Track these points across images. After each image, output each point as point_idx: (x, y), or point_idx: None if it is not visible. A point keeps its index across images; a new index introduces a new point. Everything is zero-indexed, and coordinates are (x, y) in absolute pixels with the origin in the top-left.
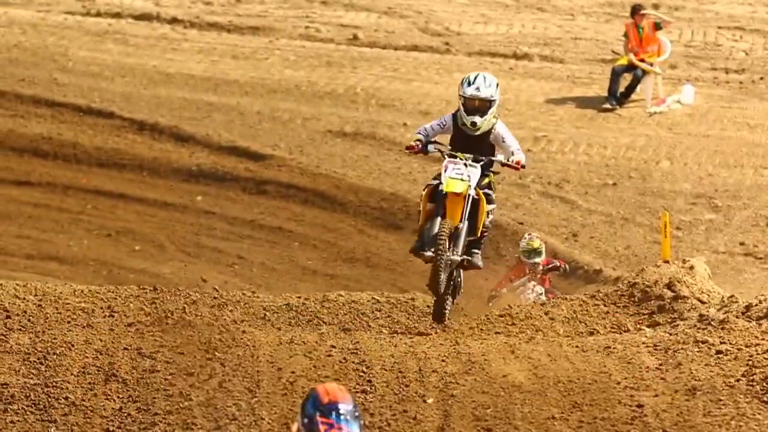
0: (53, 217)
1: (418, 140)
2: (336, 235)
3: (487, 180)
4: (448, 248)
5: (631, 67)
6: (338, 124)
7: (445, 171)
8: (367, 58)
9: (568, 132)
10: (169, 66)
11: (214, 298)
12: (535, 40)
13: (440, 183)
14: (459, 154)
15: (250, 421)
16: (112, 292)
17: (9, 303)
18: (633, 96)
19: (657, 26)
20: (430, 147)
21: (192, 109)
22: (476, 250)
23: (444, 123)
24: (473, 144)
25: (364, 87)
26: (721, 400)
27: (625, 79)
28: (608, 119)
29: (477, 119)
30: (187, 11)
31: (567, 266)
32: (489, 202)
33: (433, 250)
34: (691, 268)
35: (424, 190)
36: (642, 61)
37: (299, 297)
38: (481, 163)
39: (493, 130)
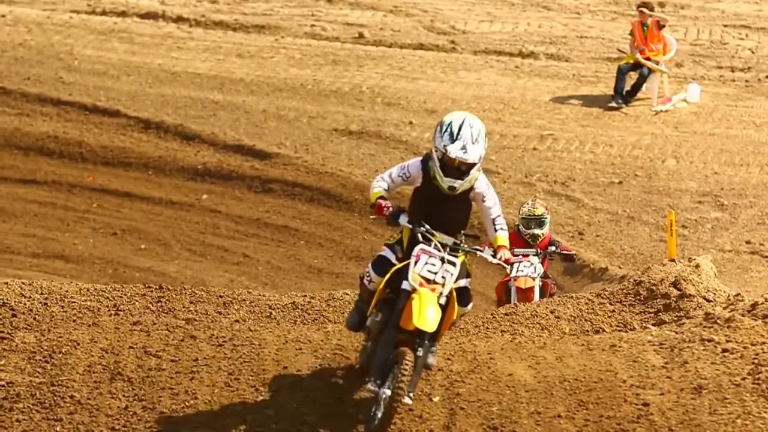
0: (59, 216)
1: (381, 198)
2: (342, 233)
3: (460, 260)
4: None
5: (637, 66)
6: (344, 123)
7: (415, 264)
8: (373, 57)
9: (574, 130)
10: (174, 64)
11: (220, 296)
12: (540, 38)
13: (405, 269)
14: (436, 236)
15: (256, 419)
16: (118, 291)
17: (15, 301)
18: (639, 94)
19: (660, 24)
20: (402, 219)
21: (197, 107)
22: (433, 348)
23: (407, 175)
24: (445, 203)
25: (370, 85)
26: (726, 398)
27: (631, 78)
28: (614, 118)
29: (457, 183)
30: (192, 10)
31: (575, 255)
32: (464, 301)
33: (388, 389)
34: (697, 266)
35: (372, 267)
36: (648, 59)
37: (305, 295)
38: (461, 252)
39: (473, 188)
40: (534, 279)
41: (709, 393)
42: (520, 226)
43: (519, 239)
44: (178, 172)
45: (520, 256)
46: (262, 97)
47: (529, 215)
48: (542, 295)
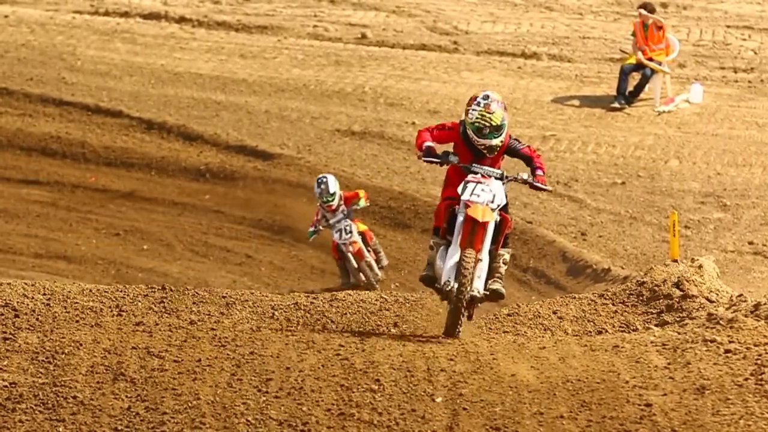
0: (61, 216)
1: None
2: None
3: None
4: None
5: (639, 66)
6: (346, 123)
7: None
8: (376, 57)
9: (576, 131)
10: (177, 65)
11: (222, 297)
12: (543, 39)
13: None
14: None
15: (259, 420)
16: (121, 291)
17: (17, 302)
18: (642, 95)
19: (657, 26)
20: None
21: (200, 108)
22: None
23: None
24: None
25: (373, 86)
26: (729, 399)
27: (634, 78)
28: (617, 118)
29: None
30: (195, 10)
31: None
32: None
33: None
34: (700, 267)
35: None
36: (650, 60)
37: (307, 296)
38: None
39: None
40: (493, 210)
41: (712, 394)
42: (470, 132)
43: (466, 148)
44: (181, 172)
45: (479, 175)
46: (264, 97)
47: (483, 123)
48: (497, 234)
